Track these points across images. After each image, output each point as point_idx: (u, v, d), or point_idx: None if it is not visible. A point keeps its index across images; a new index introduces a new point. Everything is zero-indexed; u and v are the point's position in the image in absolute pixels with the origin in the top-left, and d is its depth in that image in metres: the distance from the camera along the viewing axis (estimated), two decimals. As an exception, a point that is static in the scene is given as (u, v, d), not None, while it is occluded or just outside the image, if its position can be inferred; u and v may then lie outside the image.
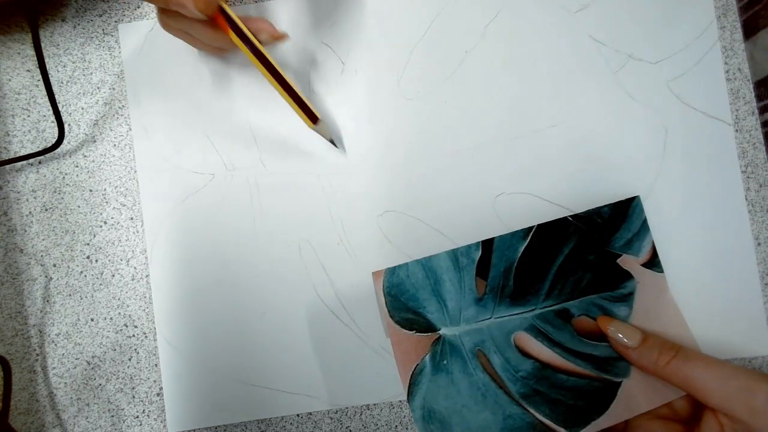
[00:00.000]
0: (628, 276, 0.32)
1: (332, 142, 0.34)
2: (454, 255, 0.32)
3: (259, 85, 0.36)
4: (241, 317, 0.35)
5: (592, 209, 0.32)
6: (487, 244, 0.32)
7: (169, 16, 0.31)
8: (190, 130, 0.36)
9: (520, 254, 0.32)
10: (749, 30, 0.34)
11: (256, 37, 0.30)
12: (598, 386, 0.31)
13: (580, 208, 0.34)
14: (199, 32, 0.31)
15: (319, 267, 0.35)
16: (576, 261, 0.32)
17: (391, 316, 0.31)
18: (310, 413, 0.35)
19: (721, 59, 0.34)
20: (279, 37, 0.32)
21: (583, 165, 0.34)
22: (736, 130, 0.34)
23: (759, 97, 0.34)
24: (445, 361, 0.31)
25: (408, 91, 0.35)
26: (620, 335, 0.30)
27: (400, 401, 0.35)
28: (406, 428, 0.35)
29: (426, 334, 0.31)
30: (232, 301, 0.35)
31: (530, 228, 0.32)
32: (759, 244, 0.34)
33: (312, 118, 0.32)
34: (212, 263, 0.35)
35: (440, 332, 0.31)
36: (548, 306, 0.32)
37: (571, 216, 0.32)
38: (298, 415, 0.35)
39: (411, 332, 0.31)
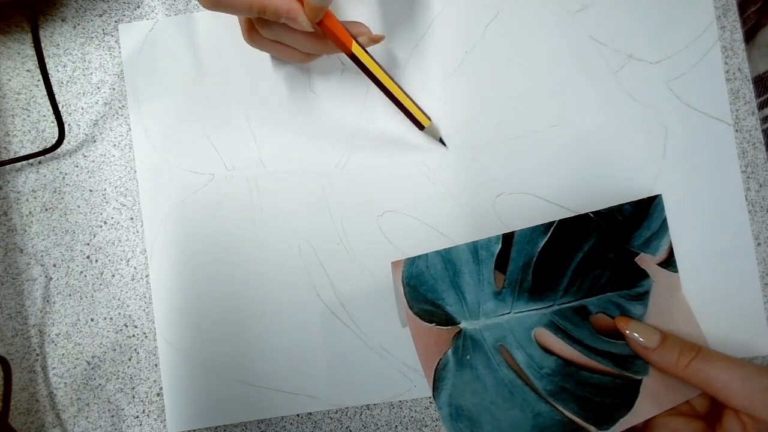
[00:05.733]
0: (644, 275, 0.32)
1: (441, 141, 0.35)
2: (474, 247, 0.31)
3: (260, 85, 0.36)
4: (241, 317, 0.35)
5: (614, 206, 0.32)
6: (508, 238, 0.31)
7: (264, 27, 0.30)
8: (190, 130, 0.36)
9: (540, 249, 0.32)
10: (749, 31, 0.34)
11: (356, 41, 0.30)
12: (621, 383, 0.31)
13: (580, 208, 0.34)
14: (298, 41, 0.30)
15: (318, 267, 0.35)
16: (595, 258, 0.32)
17: (410, 307, 0.31)
18: (310, 413, 0.35)
19: (721, 59, 0.34)
20: (377, 39, 0.31)
21: (583, 165, 0.34)
22: (736, 130, 0.34)
23: (758, 94, 0.34)
24: (468, 356, 0.31)
25: (408, 91, 0.35)
26: (638, 336, 0.30)
27: (400, 401, 0.35)
28: (406, 428, 0.35)
29: (446, 328, 0.31)
30: (232, 301, 0.35)
31: (551, 223, 0.32)
32: (759, 244, 0.34)
33: (421, 123, 0.33)
34: (212, 263, 0.35)
35: (460, 326, 0.31)
36: (566, 302, 0.32)
37: (592, 213, 0.32)
38: (298, 415, 0.35)
39: (431, 325, 0.31)
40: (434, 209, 0.35)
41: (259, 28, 0.30)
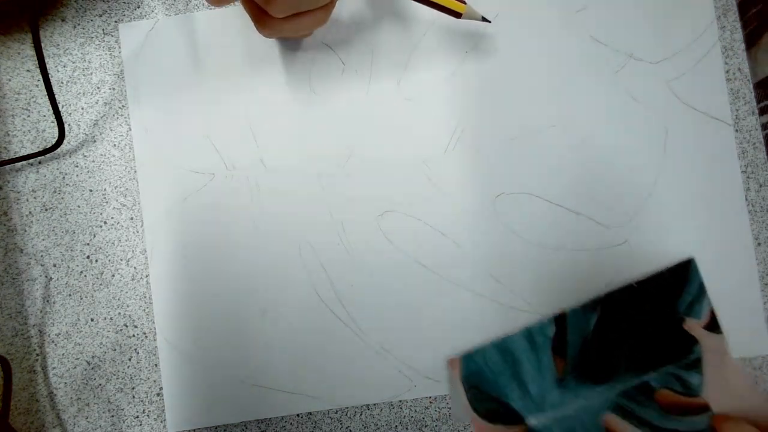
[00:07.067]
0: (693, 340, 0.32)
1: (484, 18, 0.33)
2: (529, 334, 0.31)
3: (260, 85, 0.36)
4: (241, 317, 0.35)
5: (654, 274, 0.32)
6: (560, 320, 0.31)
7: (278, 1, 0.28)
8: (190, 130, 0.36)
9: (593, 327, 0.31)
10: (751, 33, 0.34)
11: None
12: None
13: (581, 208, 0.34)
14: None
15: (319, 267, 0.35)
16: (648, 329, 0.32)
17: (474, 409, 0.30)
18: (310, 413, 0.35)
19: (721, 59, 0.34)
20: None
21: (584, 165, 0.34)
22: (736, 130, 0.34)
23: (759, 98, 0.34)
24: None
25: (408, 91, 0.35)
26: None
27: (400, 401, 0.35)
28: (406, 428, 0.35)
29: (514, 427, 0.30)
30: (232, 301, 0.35)
31: (598, 298, 0.31)
32: (759, 244, 0.34)
33: (457, 11, 0.32)
34: (212, 263, 0.35)
35: (528, 423, 0.31)
36: (629, 380, 0.31)
37: (636, 282, 0.32)
38: (298, 415, 0.35)
39: (498, 426, 0.30)
40: (434, 209, 0.35)
41: (274, 5, 0.29)
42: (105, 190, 0.36)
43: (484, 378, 0.31)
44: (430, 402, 0.34)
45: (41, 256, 0.36)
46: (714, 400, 0.31)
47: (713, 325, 0.32)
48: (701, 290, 0.32)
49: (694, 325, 0.32)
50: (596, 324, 0.32)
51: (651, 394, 0.31)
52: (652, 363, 0.32)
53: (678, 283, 0.32)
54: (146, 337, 0.36)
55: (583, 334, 0.31)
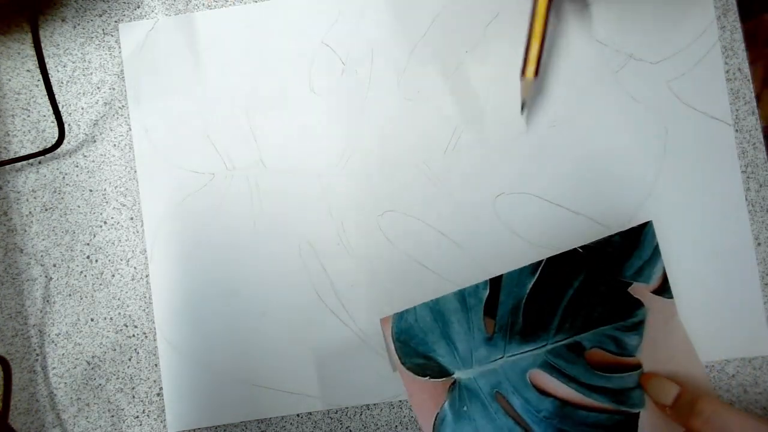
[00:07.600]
0: (639, 304, 0.32)
1: (523, 104, 0.34)
2: (462, 295, 0.31)
3: (260, 85, 0.36)
4: (241, 317, 0.35)
5: (603, 238, 0.31)
6: (495, 282, 0.31)
7: None
8: (190, 130, 0.36)
9: (528, 290, 0.31)
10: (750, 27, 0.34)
11: None
12: (618, 420, 0.31)
13: (580, 208, 0.34)
14: None
15: (319, 267, 0.35)
16: (587, 293, 0.31)
17: (402, 363, 0.31)
18: (310, 413, 0.35)
19: (721, 59, 0.34)
20: None
21: (584, 165, 0.34)
22: (736, 130, 0.34)
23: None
24: (465, 408, 0.31)
25: (408, 91, 0.35)
26: (651, 392, 0.30)
27: (400, 401, 0.35)
28: (406, 428, 0.35)
29: (440, 380, 0.31)
30: (232, 301, 0.35)
31: (539, 262, 0.31)
32: (759, 244, 0.34)
33: (526, 71, 0.32)
34: (212, 263, 0.35)
35: (454, 376, 0.31)
36: (559, 341, 0.31)
37: (580, 247, 0.31)
38: (298, 415, 0.35)
39: (425, 378, 0.31)
40: (434, 209, 0.35)
41: None
42: (105, 190, 0.36)
43: (413, 335, 0.31)
44: (430, 402, 0.34)
45: (41, 256, 0.36)
46: (648, 361, 0.31)
47: (663, 289, 0.32)
48: (654, 254, 0.31)
49: (641, 289, 0.32)
50: (532, 287, 0.31)
51: (581, 353, 0.31)
52: (587, 325, 0.32)
53: (628, 248, 0.31)
54: (146, 337, 0.36)
55: (517, 296, 0.31)
